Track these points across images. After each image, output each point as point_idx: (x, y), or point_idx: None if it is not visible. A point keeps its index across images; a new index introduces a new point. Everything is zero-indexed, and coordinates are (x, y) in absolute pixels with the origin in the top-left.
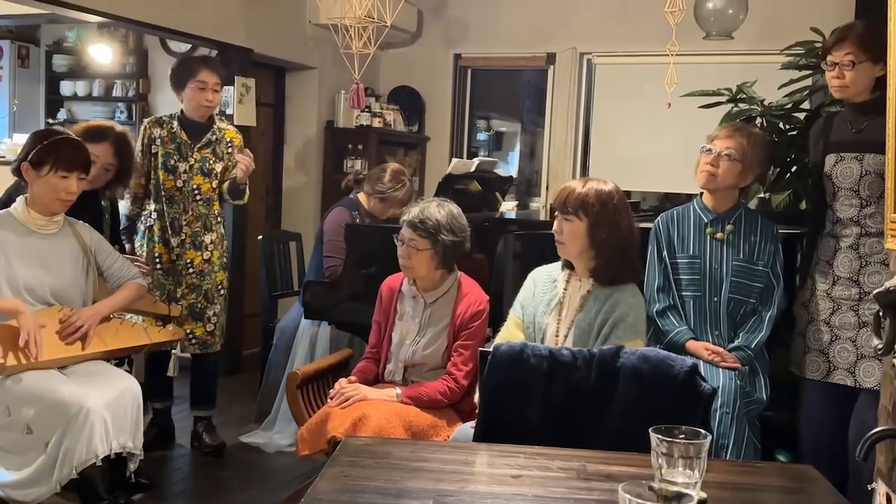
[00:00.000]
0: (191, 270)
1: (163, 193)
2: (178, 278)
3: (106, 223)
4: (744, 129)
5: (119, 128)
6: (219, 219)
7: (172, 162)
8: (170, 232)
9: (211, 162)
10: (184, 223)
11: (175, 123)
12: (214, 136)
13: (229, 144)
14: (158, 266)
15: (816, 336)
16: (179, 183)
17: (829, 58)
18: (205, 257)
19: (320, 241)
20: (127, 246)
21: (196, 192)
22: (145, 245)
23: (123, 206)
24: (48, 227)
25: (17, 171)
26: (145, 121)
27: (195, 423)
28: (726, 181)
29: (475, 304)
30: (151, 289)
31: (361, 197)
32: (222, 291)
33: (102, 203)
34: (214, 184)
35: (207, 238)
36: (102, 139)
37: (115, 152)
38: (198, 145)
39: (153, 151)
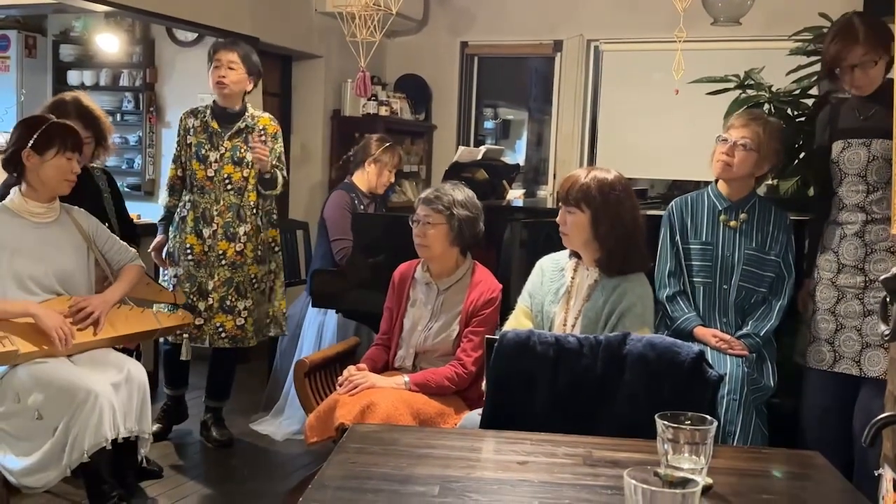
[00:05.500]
0: (223, 262)
1: (195, 184)
2: (211, 270)
3: (107, 201)
4: (760, 118)
5: (69, 96)
6: (255, 210)
7: (203, 151)
8: (202, 223)
9: (242, 151)
10: (215, 213)
11: (207, 112)
12: (245, 124)
13: (262, 132)
14: (190, 257)
15: (821, 325)
16: (210, 172)
17: (843, 62)
18: (237, 249)
19: (324, 228)
20: (161, 237)
21: (227, 181)
22: (178, 235)
23: (161, 198)
24: (45, 216)
25: (14, 160)
26: (182, 112)
27: (205, 412)
28: (742, 171)
29: (488, 291)
30: (182, 280)
31: (356, 178)
32: (256, 285)
33: (100, 185)
34: (246, 173)
35: (241, 229)
36: (67, 115)
37: (84, 124)
38: (228, 134)
39: (188, 142)
